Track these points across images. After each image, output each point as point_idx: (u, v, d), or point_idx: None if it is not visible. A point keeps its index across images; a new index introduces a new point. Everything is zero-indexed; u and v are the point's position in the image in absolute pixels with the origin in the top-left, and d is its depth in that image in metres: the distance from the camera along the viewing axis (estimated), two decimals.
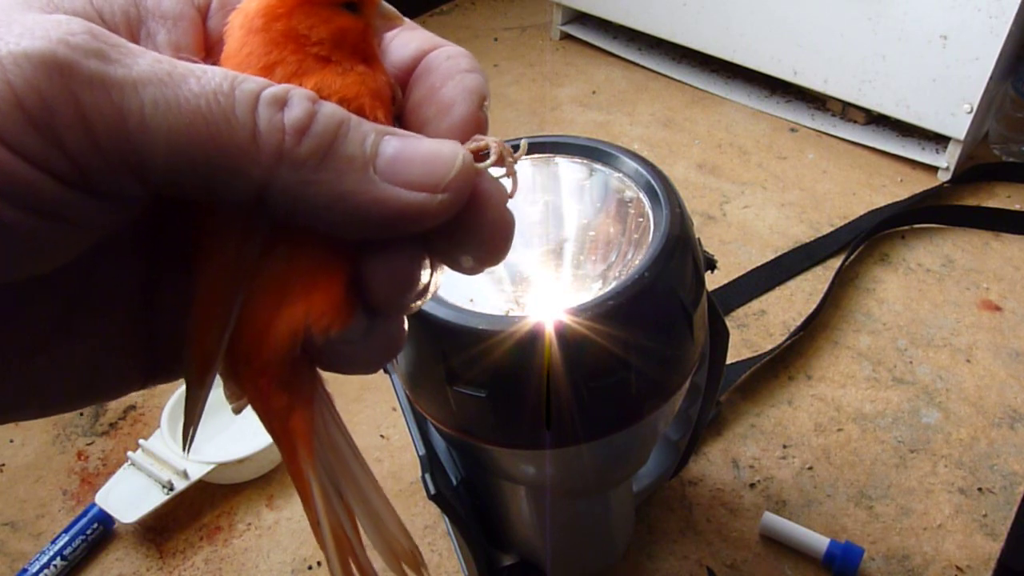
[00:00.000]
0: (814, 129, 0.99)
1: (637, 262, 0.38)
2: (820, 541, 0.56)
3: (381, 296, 0.19)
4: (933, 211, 0.86)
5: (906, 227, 0.85)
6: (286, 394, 0.20)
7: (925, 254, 0.82)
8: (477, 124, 0.20)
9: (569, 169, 0.45)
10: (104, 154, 0.16)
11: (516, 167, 0.20)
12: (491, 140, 0.20)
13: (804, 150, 0.96)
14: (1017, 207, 0.86)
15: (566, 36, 1.19)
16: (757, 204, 0.89)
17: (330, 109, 0.18)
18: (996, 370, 0.70)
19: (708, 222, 0.87)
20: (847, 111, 0.98)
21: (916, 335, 0.73)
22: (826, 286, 0.76)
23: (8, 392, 0.20)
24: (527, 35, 1.21)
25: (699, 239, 0.42)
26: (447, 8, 1.29)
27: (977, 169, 0.91)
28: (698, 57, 1.09)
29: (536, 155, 0.46)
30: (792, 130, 0.99)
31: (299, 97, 0.17)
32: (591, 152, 0.45)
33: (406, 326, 0.22)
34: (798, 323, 0.73)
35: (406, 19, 0.22)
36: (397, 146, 0.18)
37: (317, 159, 0.17)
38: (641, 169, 0.43)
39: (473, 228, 0.19)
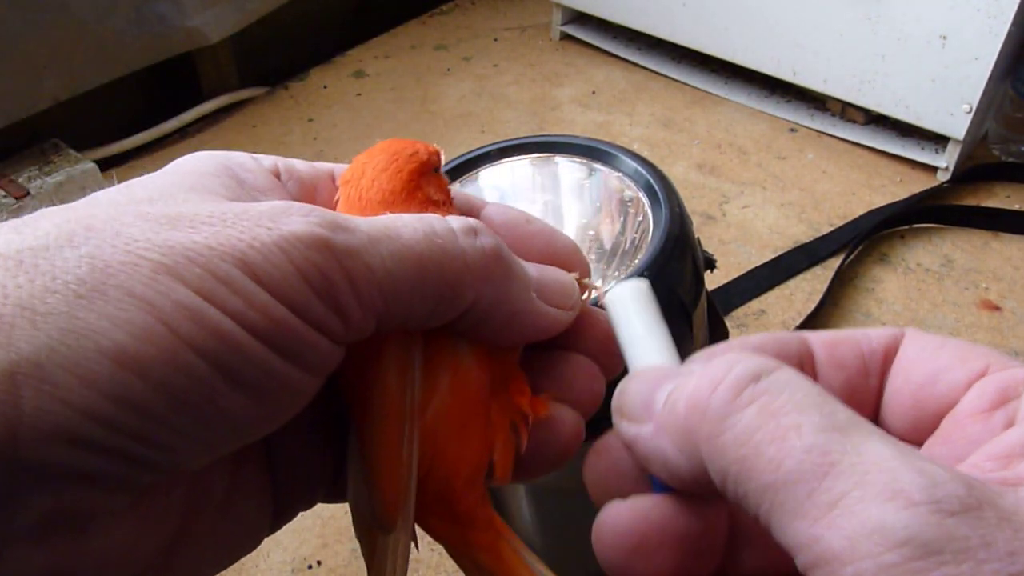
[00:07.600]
0: (814, 129, 0.99)
1: (637, 262, 0.38)
2: None
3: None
4: (932, 211, 0.86)
5: (905, 227, 0.85)
6: (483, 509, 0.23)
7: (924, 254, 0.82)
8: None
9: (569, 169, 0.45)
10: (365, 308, 0.19)
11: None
12: (577, 276, 0.25)
13: (804, 150, 0.96)
14: (1017, 207, 0.86)
15: (566, 36, 1.19)
16: (756, 204, 0.89)
17: (495, 237, 0.21)
18: None
19: (708, 222, 0.87)
20: (846, 111, 0.98)
21: None
22: (826, 286, 0.76)
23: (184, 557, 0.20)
24: (527, 35, 1.22)
25: (699, 239, 0.42)
26: (447, 8, 1.29)
27: (976, 169, 0.91)
28: (698, 57, 1.09)
29: (536, 155, 0.46)
30: (792, 130, 0.99)
31: (480, 227, 0.21)
32: (591, 152, 0.45)
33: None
34: (798, 323, 0.73)
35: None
36: (534, 271, 0.22)
37: (506, 277, 0.21)
38: (641, 169, 0.43)
39: (592, 334, 0.24)
